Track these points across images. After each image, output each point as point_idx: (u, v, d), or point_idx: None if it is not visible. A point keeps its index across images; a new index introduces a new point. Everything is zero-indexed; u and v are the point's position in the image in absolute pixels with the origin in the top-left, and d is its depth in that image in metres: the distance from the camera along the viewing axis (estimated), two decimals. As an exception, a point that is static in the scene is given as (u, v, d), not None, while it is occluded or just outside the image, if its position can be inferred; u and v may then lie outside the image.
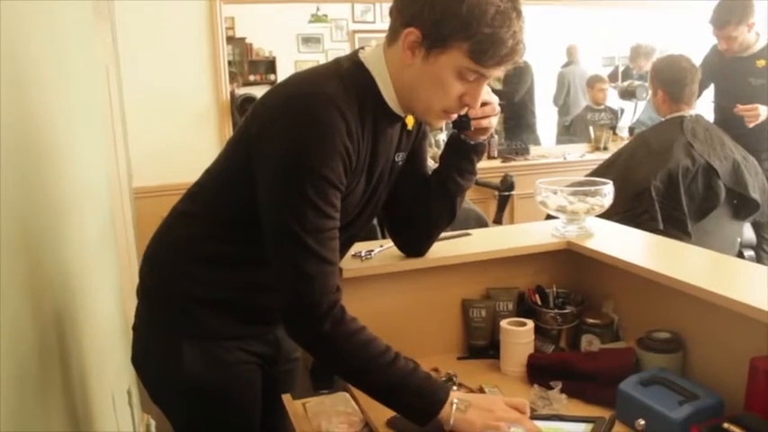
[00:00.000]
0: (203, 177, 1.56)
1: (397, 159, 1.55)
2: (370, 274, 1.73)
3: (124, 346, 1.63)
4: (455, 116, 1.47)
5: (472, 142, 1.61)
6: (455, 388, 1.44)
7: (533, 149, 5.03)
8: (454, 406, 1.32)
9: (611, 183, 1.87)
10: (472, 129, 1.55)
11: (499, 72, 1.35)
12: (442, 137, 4.40)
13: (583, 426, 1.39)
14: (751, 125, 3.55)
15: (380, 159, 1.48)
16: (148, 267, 1.60)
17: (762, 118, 3.56)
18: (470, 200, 3.15)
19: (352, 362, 1.34)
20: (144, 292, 1.61)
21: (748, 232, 3.43)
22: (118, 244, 2.82)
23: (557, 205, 1.87)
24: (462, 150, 1.63)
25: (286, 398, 1.69)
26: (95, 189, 2.33)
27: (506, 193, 4.20)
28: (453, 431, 1.34)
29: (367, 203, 1.51)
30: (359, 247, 1.81)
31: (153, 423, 2.77)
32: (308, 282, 1.30)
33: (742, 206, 2.99)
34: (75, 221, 1.81)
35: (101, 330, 2.08)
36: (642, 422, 1.38)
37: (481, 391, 1.60)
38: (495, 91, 1.54)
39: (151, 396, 1.66)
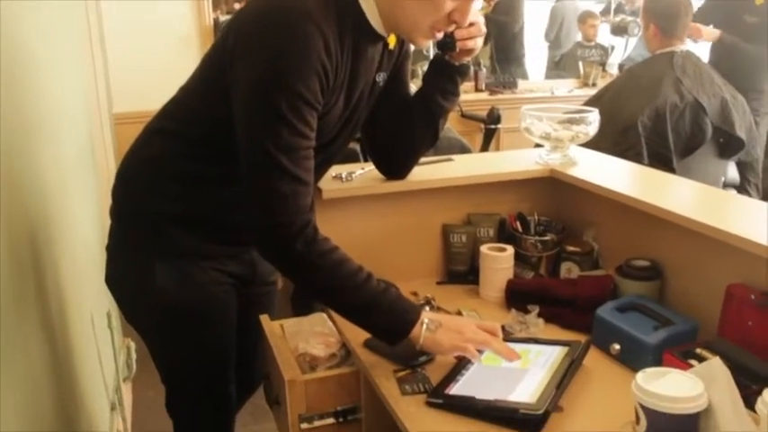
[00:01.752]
0: (178, 94, 1.52)
1: (377, 80, 1.52)
2: (351, 196, 1.71)
3: (103, 270, 1.62)
4: (441, 35, 1.44)
5: (456, 63, 1.58)
6: (427, 309, 1.44)
7: (521, 83, 4.99)
8: (424, 326, 1.33)
9: (597, 111, 1.85)
10: (457, 50, 1.52)
11: None
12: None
13: (558, 349, 1.40)
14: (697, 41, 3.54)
15: (360, 79, 1.44)
16: (121, 185, 1.57)
17: (704, 37, 3.56)
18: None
19: (324, 281, 1.33)
20: (116, 210, 1.58)
21: (732, 171, 3.44)
22: (98, 169, 2.79)
23: (541, 132, 1.85)
24: (446, 71, 1.60)
25: (264, 318, 1.70)
26: (73, 112, 2.29)
27: (492, 126, 4.17)
28: (423, 351, 1.36)
29: (345, 124, 1.49)
30: (340, 168, 1.79)
31: (133, 346, 2.79)
32: (281, 201, 1.28)
33: (727, 145, 2.99)
34: (50, 141, 1.78)
35: (79, 252, 2.07)
36: (617, 346, 1.40)
37: (459, 314, 1.61)
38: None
39: (126, 316, 1.66)
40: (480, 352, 1.35)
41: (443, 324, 1.35)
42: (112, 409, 2.36)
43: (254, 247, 1.36)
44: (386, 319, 1.34)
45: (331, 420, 1.49)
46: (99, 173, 2.77)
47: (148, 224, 1.52)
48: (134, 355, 2.80)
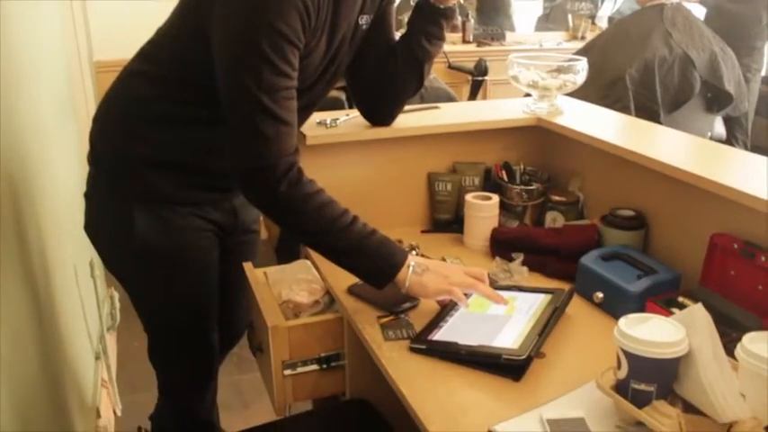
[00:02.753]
0: (155, 36, 1.48)
1: (360, 22, 1.49)
2: (335, 142, 1.70)
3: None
4: None
5: (442, 6, 1.56)
6: (414, 252, 1.44)
7: (509, 35, 4.93)
8: (411, 269, 1.33)
9: (585, 60, 1.83)
10: None
11: None
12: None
13: (542, 297, 1.41)
14: None
15: (342, 20, 1.41)
16: (98, 129, 1.54)
17: None
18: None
19: (310, 224, 1.32)
20: (94, 155, 1.55)
21: (719, 127, 3.44)
22: (79, 119, 2.75)
23: (529, 80, 1.83)
24: (431, 14, 1.57)
25: (247, 266, 1.69)
26: (51, 60, 2.25)
27: (479, 78, 4.13)
28: (408, 294, 1.36)
29: (327, 67, 1.46)
30: (324, 114, 1.77)
31: (116, 295, 2.79)
32: (265, 143, 1.27)
33: (715, 99, 2.97)
34: (28, 88, 1.74)
35: (60, 200, 2.05)
36: (600, 295, 1.40)
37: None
38: None
39: (105, 263, 1.65)
40: (467, 296, 1.35)
41: (430, 268, 1.35)
42: (97, 358, 2.37)
43: (239, 189, 1.34)
44: (372, 262, 1.34)
45: (314, 367, 1.50)
46: (79, 123, 2.73)
47: (126, 169, 1.49)
48: (117, 305, 2.80)
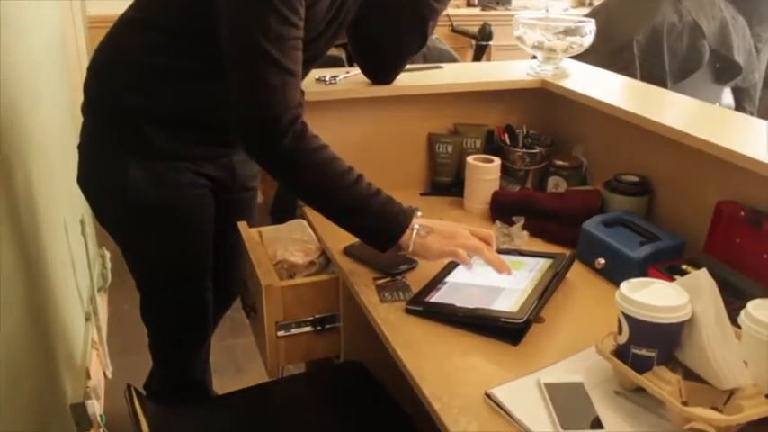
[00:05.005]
0: None
1: None
2: (334, 100, 1.68)
3: (75, 174, 1.59)
4: None
5: None
6: (419, 214, 1.42)
7: (515, 0, 4.90)
8: (415, 231, 1.31)
9: (593, 21, 1.81)
10: None
11: None
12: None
13: (542, 261, 1.40)
14: None
15: None
16: (93, 79, 1.52)
17: None
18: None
19: (313, 180, 1.30)
20: (88, 105, 1.54)
21: (727, 98, 3.41)
22: (70, 73, 2.72)
23: (534, 42, 1.81)
24: None
25: (242, 225, 1.68)
26: (44, 13, 2.21)
27: (483, 43, 4.09)
28: (412, 257, 1.35)
29: (333, 19, 1.44)
30: (323, 71, 1.75)
31: (108, 255, 2.78)
32: (270, 93, 1.24)
33: (724, 70, 2.95)
34: (17, 39, 1.71)
35: (52, 155, 2.03)
36: (602, 261, 1.40)
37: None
38: None
39: (98, 217, 1.64)
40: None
41: (435, 229, 1.33)
42: (87, 319, 2.36)
43: (240, 143, 1.32)
44: (376, 223, 1.32)
45: (308, 328, 1.50)
46: (72, 77, 2.69)
47: (122, 120, 1.48)
48: (109, 265, 2.79)
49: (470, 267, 1.32)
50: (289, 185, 1.37)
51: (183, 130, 1.49)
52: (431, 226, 1.33)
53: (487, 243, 1.34)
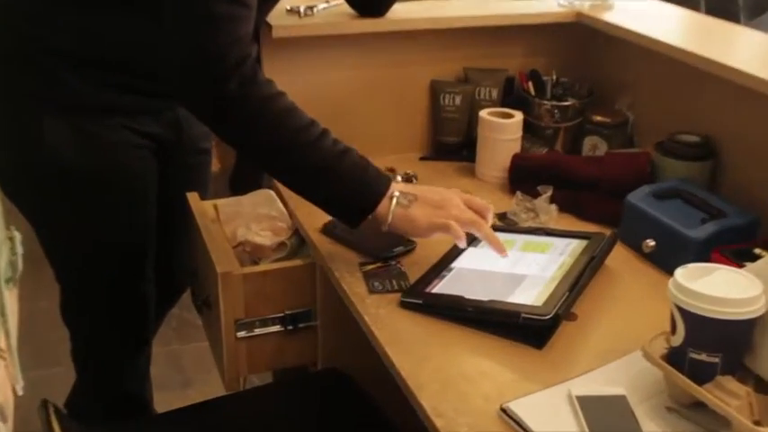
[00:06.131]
0: None
1: None
2: (311, 36, 1.68)
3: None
4: None
5: None
6: (399, 179, 1.42)
7: None
8: (394, 200, 1.31)
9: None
10: None
11: None
12: None
13: (575, 243, 1.40)
14: None
15: None
16: None
17: None
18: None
19: (264, 136, 1.30)
20: None
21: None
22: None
23: (568, -37, 1.81)
24: None
25: (192, 196, 1.68)
26: None
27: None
28: (392, 232, 1.34)
29: None
30: (297, 0, 1.74)
31: (18, 237, 2.77)
32: (213, 25, 1.24)
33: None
34: None
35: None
36: (652, 243, 1.40)
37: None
38: None
39: (6, 191, 1.64)
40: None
41: (419, 197, 1.33)
42: (-9, 320, 2.36)
43: (175, 90, 1.32)
44: (343, 190, 1.32)
45: (277, 328, 1.50)
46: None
47: (34, 65, 1.47)
48: (20, 250, 2.77)
49: (464, 245, 1.34)
50: (234, 144, 1.37)
51: (115, 74, 1.48)
52: (414, 193, 1.33)
53: (483, 216, 1.34)
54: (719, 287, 1.01)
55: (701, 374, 1.00)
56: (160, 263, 1.75)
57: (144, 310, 1.74)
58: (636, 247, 1.43)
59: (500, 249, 1.32)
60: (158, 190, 1.65)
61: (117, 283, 1.67)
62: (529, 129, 1.76)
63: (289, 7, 1.71)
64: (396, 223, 1.32)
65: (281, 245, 1.56)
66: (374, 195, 1.31)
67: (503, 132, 1.68)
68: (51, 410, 1.19)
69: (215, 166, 1.97)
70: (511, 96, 1.83)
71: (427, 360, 1.13)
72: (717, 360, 1.00)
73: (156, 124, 1.59)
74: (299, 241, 1.57)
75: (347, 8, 1.72)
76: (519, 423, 1.00)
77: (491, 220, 1.37)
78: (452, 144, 1.83)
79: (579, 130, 1.79)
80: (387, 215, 1.31)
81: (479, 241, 1.39)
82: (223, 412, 1.48)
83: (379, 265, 1.37)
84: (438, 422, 1.00)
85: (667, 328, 1.05)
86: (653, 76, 1.71)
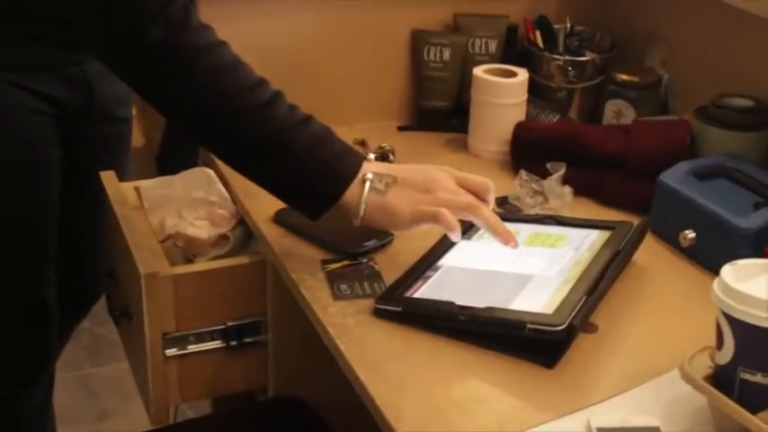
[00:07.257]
0: None
1: None
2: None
3: None
4: None
5: None
6: (371, 156, 1.40)
7: None
8: (367, 184, 1.30)
9: None
10: None
11: None
12: None
13: (594, 234, 1.41)
14: None
15: None
16: None
17: None
18: None
19: (197, 97, 1.29)
20: None
21: None
22: None
23: None
24: None
25: (107, 176, 1.67)
26: None
27: None
28: (366, 225, 1.33)
29: None
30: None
31: None
32: None
33: None
34: None
35: None
36: (691, 234, 1.40)
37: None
38: None
39: None
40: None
41: (399, 179, 1.31)
42: None
43: (80, 35, 1.31)
44: (300, 172, 1.30)
45: (216, 344, 1.51)
46: None
47: None
48: None
49: (458, 239, 1.33)
50: (159, 107, 1.35)
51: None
52: (392, 174, 1.32)
53: (481, 198, 1.33)
54: (778, 289, 1.01)
55: (756, 400, 1.01)
56: (65, 261, 1.75)
57: (44, 322, 1.74)
58: (671, 240, 1.44)
59: (508, 238, 1.30)
60: (62, 168, 1.65)
61: (8, 287, 1.67)
62: (536, 91, 1.77)
63: (234, -64, 1.72)
64: (370, 215, 1.30)
65: (222, 238, 1.56)
66: (340, 179, 1.30)
67: (503, 95, 1.69)
68: None
69: (137, 139, 1.95)
70: (513, 50, 1.85)
71: (408, 384, 1.13)
72: (774, 382, 1.01)
73: (57, 84, 1.59)
74: (244, 233, 1.57)
75: (306, -64, 1.73)
76: (525, 462, 1.01)
77: (492, 202, 1.36)
78: (439, 110, 1.84)
79: (599, 93, 1.80)
80: (358, 205, 1.30)
81: (473, 233, 1.39)
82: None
83: (346, 263, 1.37)
84: (422, 461, 1.01)
85: (712, 341, 1.06)
86: (693, 24, 1.72)
